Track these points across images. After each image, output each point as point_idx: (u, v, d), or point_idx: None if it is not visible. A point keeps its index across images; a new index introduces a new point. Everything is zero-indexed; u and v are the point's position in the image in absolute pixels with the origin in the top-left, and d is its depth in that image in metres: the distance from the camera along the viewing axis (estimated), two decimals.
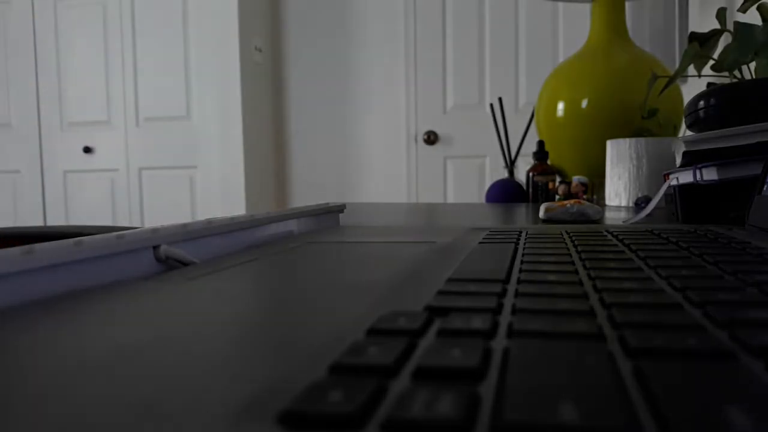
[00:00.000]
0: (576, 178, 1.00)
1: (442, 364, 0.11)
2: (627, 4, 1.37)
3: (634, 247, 0.28)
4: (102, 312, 0.17)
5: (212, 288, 0.21)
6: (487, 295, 0.17)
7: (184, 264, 0.27)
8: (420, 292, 0.19)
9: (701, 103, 0.53)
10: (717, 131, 0.47)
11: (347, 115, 2.57)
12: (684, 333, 0.13)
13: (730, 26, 0.69)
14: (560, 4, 2.34)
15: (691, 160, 0.49)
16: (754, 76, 0.69)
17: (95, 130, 2.62)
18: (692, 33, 0.74)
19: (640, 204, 0.79)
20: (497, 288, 0.18)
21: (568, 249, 0.28)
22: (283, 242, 0.36)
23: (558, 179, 1.13)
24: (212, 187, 2.51)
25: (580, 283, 0.19)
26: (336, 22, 2.54)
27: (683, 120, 0.60)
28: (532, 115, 1.21)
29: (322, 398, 0.09)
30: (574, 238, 0.34)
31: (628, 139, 0.83)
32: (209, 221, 0.30)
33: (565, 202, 0.58)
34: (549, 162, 1.14)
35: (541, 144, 1.10)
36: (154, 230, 0.26)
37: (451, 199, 2.50)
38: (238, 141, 2.43)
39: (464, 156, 2.46)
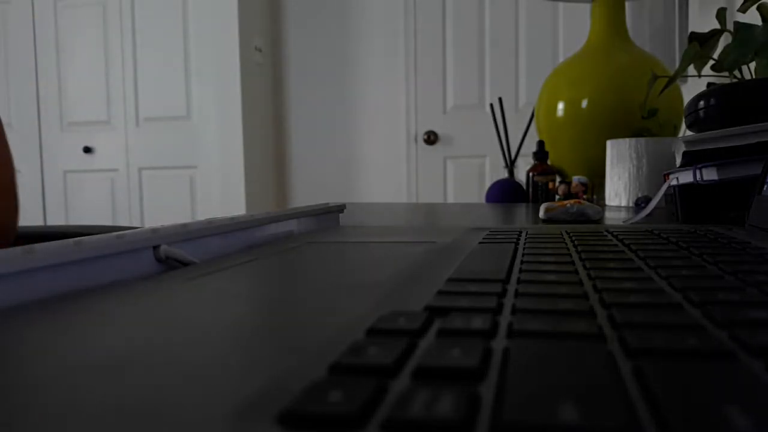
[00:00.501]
0: (576, 178, 1.00)
1: (442, 364, 0.11)
2: (627, 4, 1.37)
3: (634, 247, 0.28)
4: (102, 312, 0.17)
5: (212, 288, 0.21)
6: (487, 295, 0.17)
7: (184, 264, 0.27)
8: (420, 292, 0.19)
9: (701, 103, 0.53)
10: (717, 131, 0.47)
11: (347, 115, 2.57)
12: (684, 333, 0.13)
13: (730, 26, 0.69)
14: (560, 4, 2.34)
15: (691, 160, 0.49)
16: (754, 76, 0.69)
17: (95, 130, 2.62)
18: (692, 33, 0.74)
19: (640, 204, 0.79)
20: (497, 288, 0.18)
21: (568, 249, 0.28)
22: (283, 242, 0.36)
23: (558, 179, 1.13)
24: (212, 187, 2.51)
25: (580, 283, 0.19)
26: (336, 22, 2.54)
27: (683, 120, 0.60)
28: (532, 115, 1.21)
29: (322, 398, 0.09)
30: (574, 238, 0.34)
31: (628, 139, 0.83)
32: (209, 221, 0.30)
33: (565, 202, 0.58)
34: (549, 162, 1.14)
35: (541, 144, 1.10)
36: (154, 230, 0.26)
37: (451, 199, 2.49)
38: (238, 141, 2.43)
39: (464, 156, 2.46)
